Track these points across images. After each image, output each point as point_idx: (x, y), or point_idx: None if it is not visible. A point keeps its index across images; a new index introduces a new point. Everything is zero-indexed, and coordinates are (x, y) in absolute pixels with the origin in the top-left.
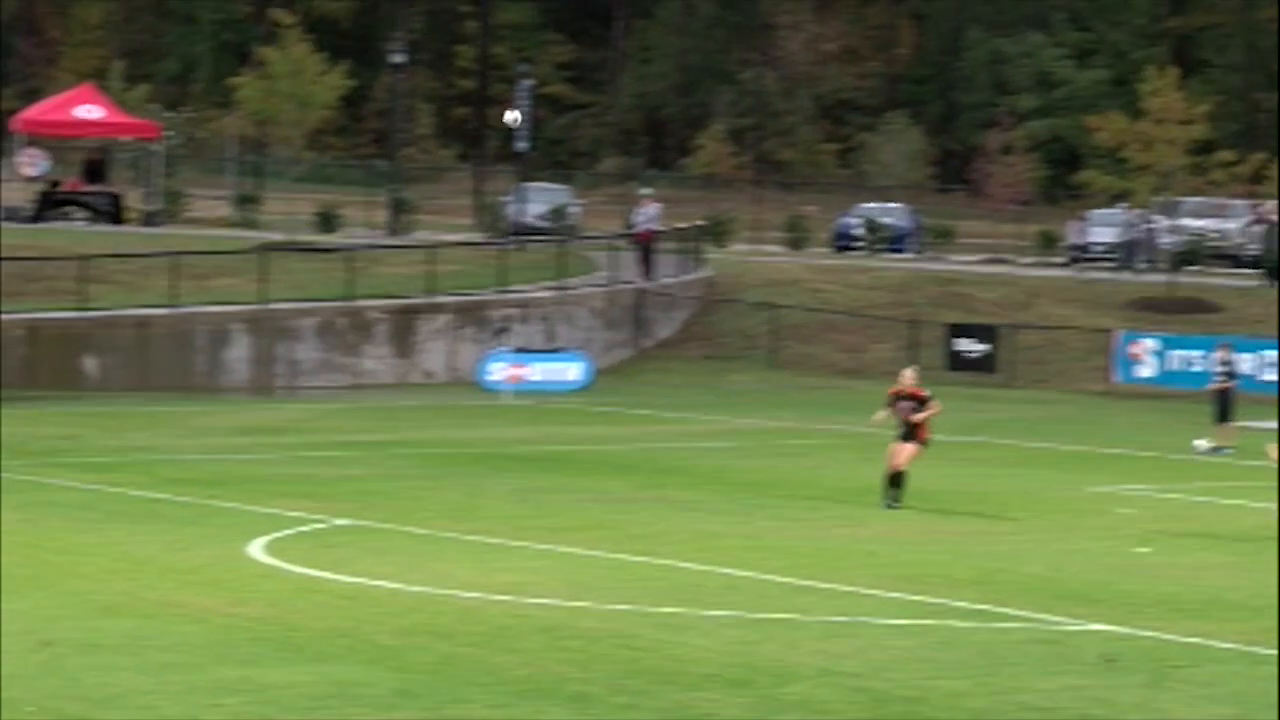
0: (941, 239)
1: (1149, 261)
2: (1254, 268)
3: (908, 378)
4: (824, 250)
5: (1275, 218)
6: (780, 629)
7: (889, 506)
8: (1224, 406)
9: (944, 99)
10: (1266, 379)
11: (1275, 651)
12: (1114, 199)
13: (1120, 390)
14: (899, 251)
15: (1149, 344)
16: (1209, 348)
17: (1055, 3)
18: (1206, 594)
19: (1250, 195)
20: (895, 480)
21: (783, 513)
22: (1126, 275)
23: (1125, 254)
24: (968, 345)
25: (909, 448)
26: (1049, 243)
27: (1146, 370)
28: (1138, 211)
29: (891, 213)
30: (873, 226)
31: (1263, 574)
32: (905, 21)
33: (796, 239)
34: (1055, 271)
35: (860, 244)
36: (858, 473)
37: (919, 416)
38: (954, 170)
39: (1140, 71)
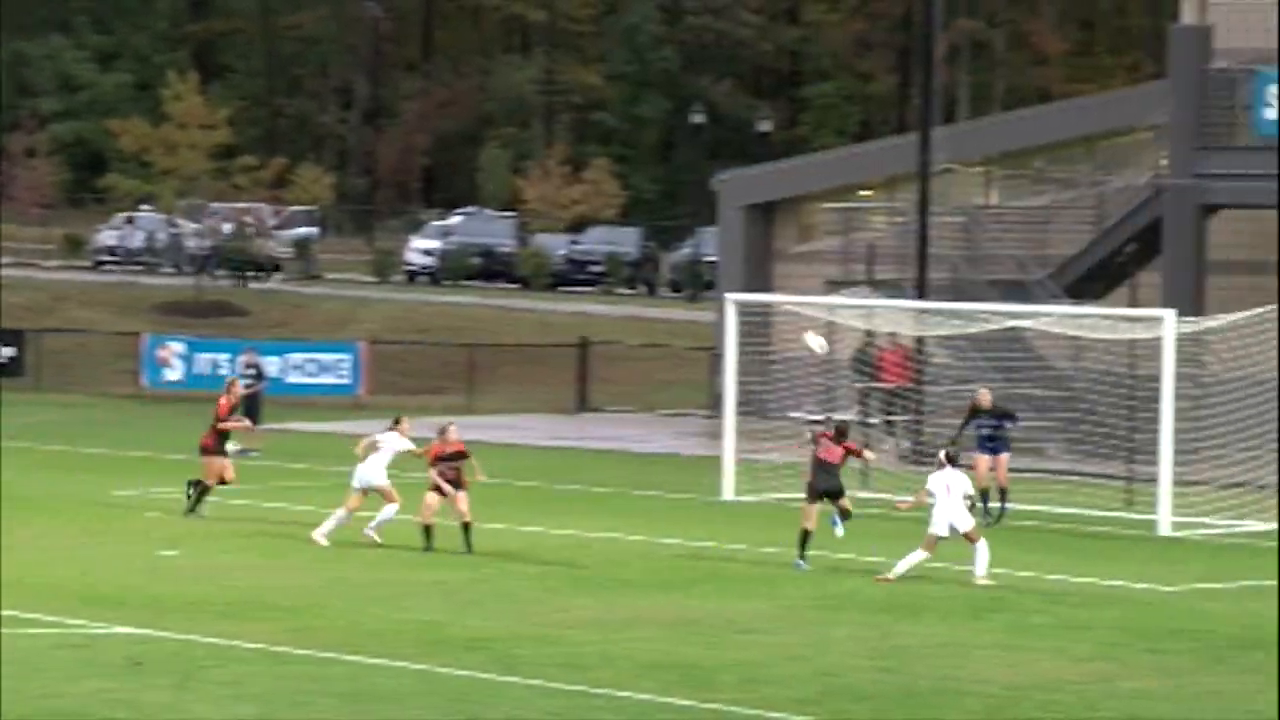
0: None
1: (175, 266)
2: (275, 270)
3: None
4: None
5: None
6: None
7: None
8: (252, 408)
9: None
10: (292, 380)
11: (300, 650)
12: (139, 203)
13: (149, 394)
14: None
15: (176, 347)
16: (236, 351)
17: (77, 5)
18: (235, 595)
19: (274, 200)
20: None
21: None
22: (154, 279)
23: (153, 257)
24: None
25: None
26: (76, 246)
27: (174, 374)
28: (164, 216)
29: None
30: None
31: (294, 574)
32: None
33: None
34: (83, 275)
35: None
36: None
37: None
38: None
39: (162, 76)
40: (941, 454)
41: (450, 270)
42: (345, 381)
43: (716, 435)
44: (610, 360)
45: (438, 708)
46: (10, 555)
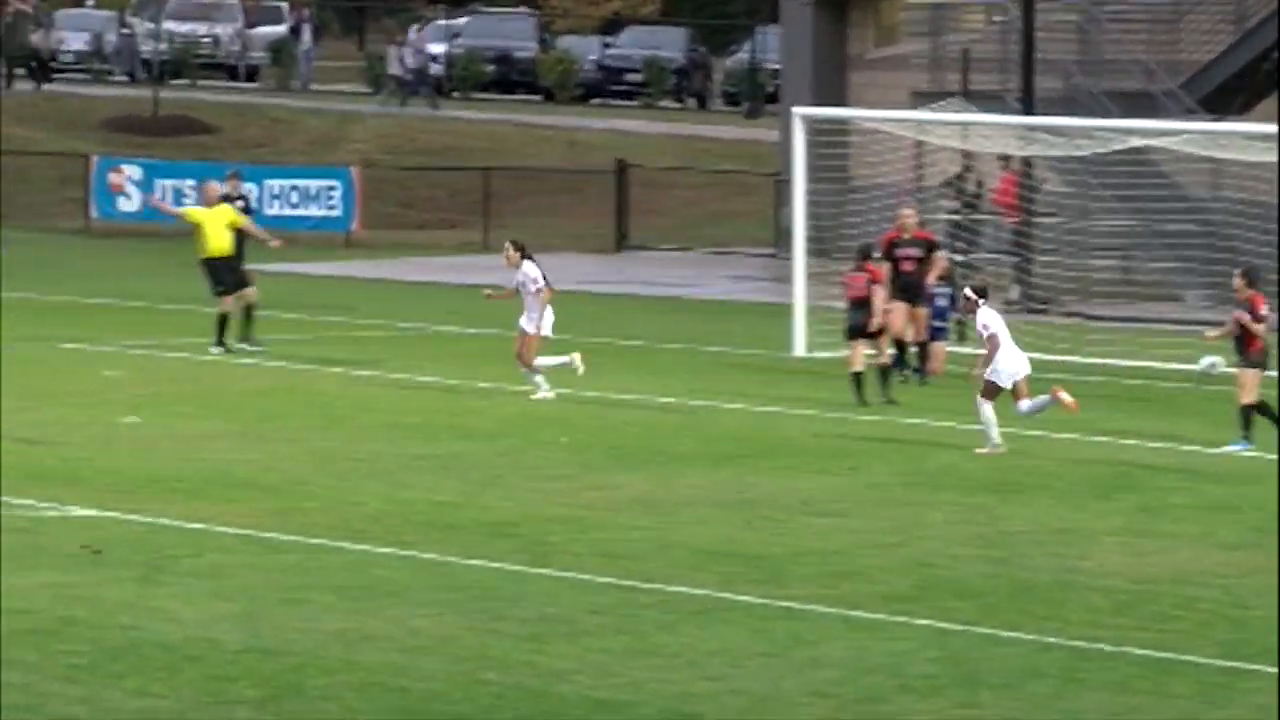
0: None
1: (128, 73)
2: (250, 80)
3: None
4: None
5: None
6: None
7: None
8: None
9: None
10: (271, 212)
11: (287, 536)
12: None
13: (100, 227)
14: None
15: (131, 171)
16: (202, 176)
17: None
18: (210, 471)
19: None
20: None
21: None
22: (101, 89)
23: (99, 63)
24: None
25: None
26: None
27: (129, 203)
28: (111, 14)
29: None
30: None
31: (278, 445)
32: None
33: None
34: (19, 85)
35: None
36: None
37: None
38: None
39: None
40: (968, 289)
41: (459, 79)
42: (335, 214)
43: (784, 278)
44: (653, 188)
45: (454, 604)
46: None
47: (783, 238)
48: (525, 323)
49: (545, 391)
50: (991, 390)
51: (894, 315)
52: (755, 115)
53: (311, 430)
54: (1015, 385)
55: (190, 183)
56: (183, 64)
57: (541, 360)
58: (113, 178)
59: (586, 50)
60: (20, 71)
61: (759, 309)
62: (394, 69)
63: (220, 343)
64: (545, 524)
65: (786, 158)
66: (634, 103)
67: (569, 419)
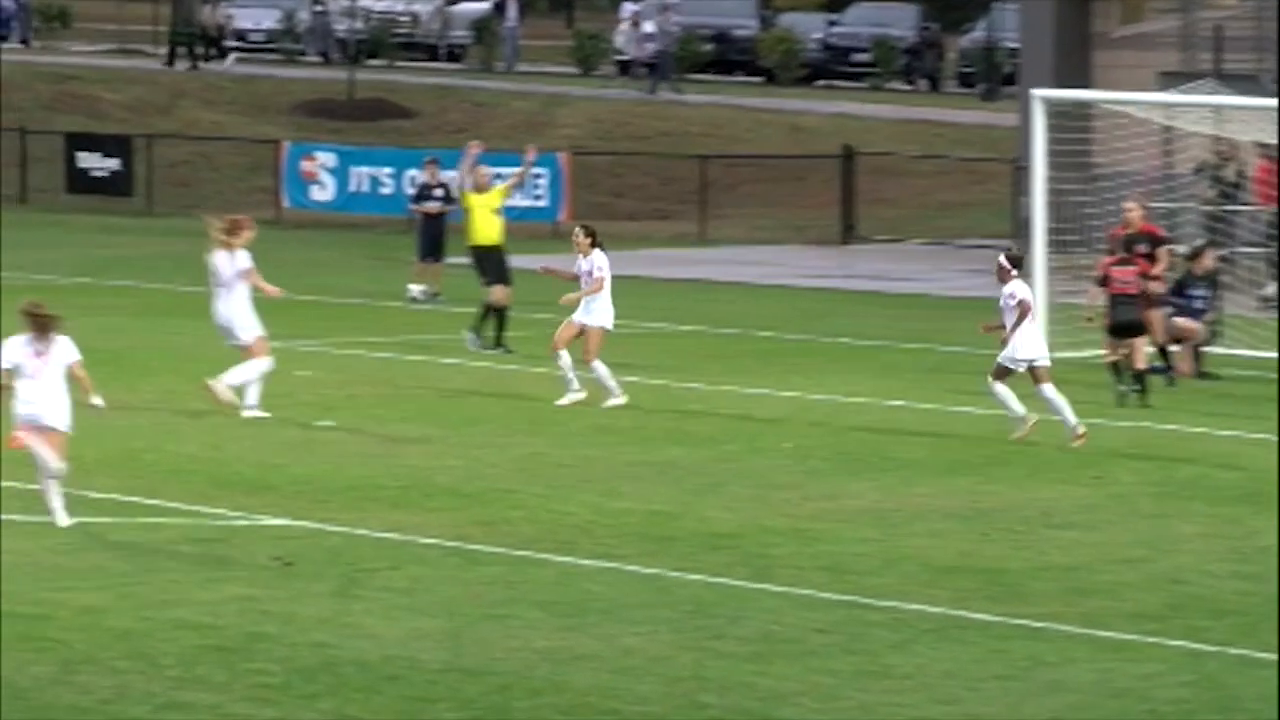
0: (54, 23)
1: (322, 54)
2: (451, 60)
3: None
4: None
5: None
6: None
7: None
8: (435, 239)
9: None
10: None
11: (491, 548)
12: None
13: (293, 217)
14: (1, 40)
15: (325, 158)
16: (401, 164)
17: None
18: (409, 477)
19: None
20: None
21: None
22: (294, 70)
23: (292, 43)
24: (93, 161)
25: None
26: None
27: (323, 192)
28: None
29: None
30: None
31: (478, 451)
32: None
33: None
34: (206, 66)
35: None
36: None
37: None
38: None
39: None
40: (1002, 257)
41: (674, 60)
42: (541, 203)
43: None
44: (882, 176)
45: (669, 622)
46: (122, 425)
47: (1021, 229)
48: (585, 315)
49: (618, 394)
50: (1001, 372)
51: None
52: (992, 98)
53: (517, 434)
54: (1035, 370)
55: (387, 170)
56: (380, 43)
57: (602, 366)
58: (305, 165)
59: (810, 28)
60: (200, 51)
61: (995, 305)
62: (629, 51)
63: (487, 338)
64: (767, 536)
65: (1025, 143)
66: (861, 84)
67: (793, 423)
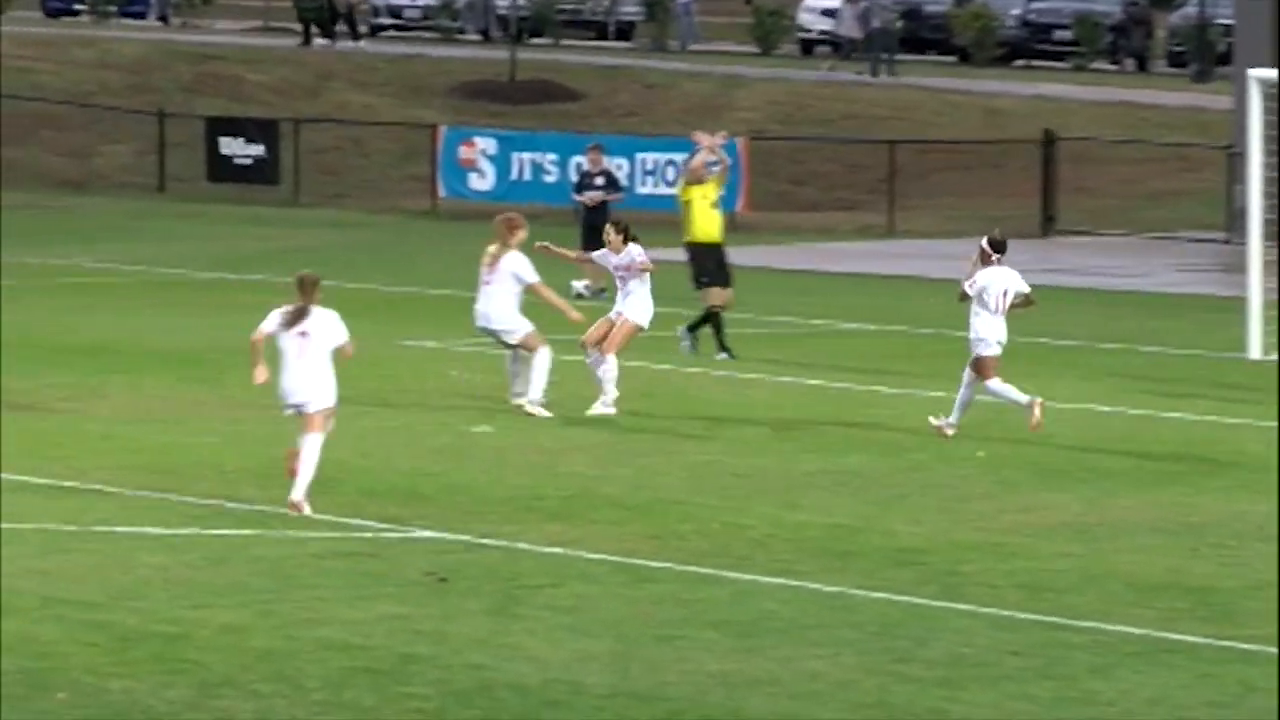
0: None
1: (481, 32)
2: (621, 38)
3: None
4: (30, 15)
5: None
6: None
7: None
8: (595, 231)
9: None
10: (643, 191)
11: (660, 564)
12: None
13: (450, 208)
14: (138, 17)
15: (485, 144)
16: (566, 150)
17: None
18: (573, 487)
19: None
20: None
21: None
22: (451, 50)
23: (449, 20)
24: (235, 147)
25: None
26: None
27: (483, 181)
28: None
29: None
30: None
31: (646, 459)
32: None
33: None
34: (352, 44)
35: (82, 5)
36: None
37: None
38: None
39: None
40: (984, 241)
41: (860, 38)
42: None
43: (1237, 268)
44: (1085, 163)
45: (852, 643)
46: (264, 432)
47: (1236, 220)
48: (622, 305)
49: (609, 403)
50: (984, 365)
51: None
52: (1204, 79)
53: (688, 441)
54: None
55: (551, 157)
56: (544, 21)
57: (614, 365)
58: (463, 151)
59: (1008, 4)
60: (342, 29)
61: (1207, 303)
62: (845, 29)
63: (702, 341)
64: (958, 551)
65: (1240, 127)
66: (1063, 64)
67: (986, 430)
